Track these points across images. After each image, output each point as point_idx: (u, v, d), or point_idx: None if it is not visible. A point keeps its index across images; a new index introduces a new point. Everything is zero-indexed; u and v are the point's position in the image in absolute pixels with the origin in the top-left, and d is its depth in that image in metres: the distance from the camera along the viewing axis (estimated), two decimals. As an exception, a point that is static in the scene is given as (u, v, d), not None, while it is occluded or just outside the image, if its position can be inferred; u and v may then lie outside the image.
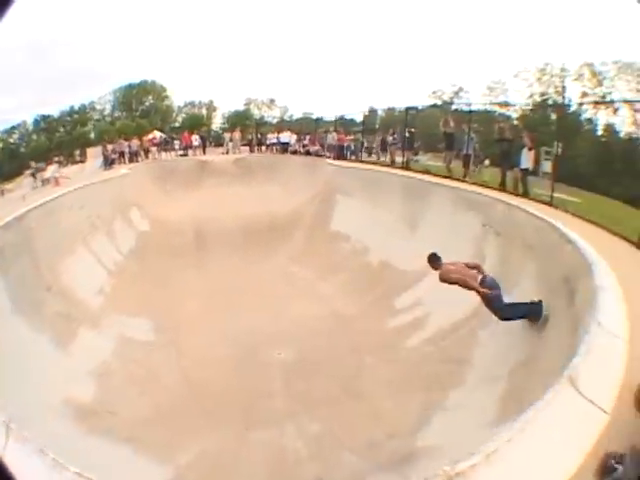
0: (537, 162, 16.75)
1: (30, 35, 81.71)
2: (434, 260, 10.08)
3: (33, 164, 36.35)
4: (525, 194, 15.15)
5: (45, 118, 72.78)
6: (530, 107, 48.25)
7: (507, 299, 9.81)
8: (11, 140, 68.62)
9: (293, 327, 14.38)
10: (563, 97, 50.51)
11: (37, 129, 72.91)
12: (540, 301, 9.12)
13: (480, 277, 9.37)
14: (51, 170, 30.82)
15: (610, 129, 39.12)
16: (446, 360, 10.48)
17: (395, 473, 7.65)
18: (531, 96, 52.80)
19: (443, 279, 9.91)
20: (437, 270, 10.02)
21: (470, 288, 9.49)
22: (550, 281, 9.50)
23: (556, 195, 14.41)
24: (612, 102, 44.06)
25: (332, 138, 29.37)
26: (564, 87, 50.54)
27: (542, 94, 52.12)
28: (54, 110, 73.61)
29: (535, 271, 10.50)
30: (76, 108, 74.25)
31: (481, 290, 9.21)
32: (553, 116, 31.94)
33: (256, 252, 21.11)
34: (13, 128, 70.28)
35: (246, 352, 13.04)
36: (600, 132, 40.51)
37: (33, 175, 31.65)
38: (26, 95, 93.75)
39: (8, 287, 10.81)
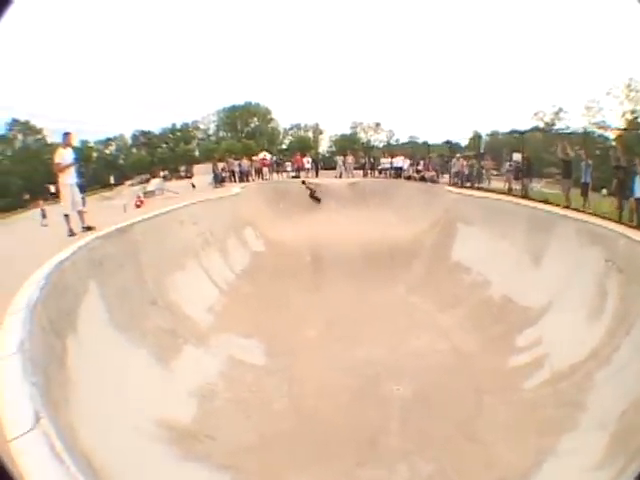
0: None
1: (128, 57, 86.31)
2: None
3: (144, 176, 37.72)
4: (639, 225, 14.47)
5: (145, 133, 76.16)
6: (623, 127, 46.81)
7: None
8: (107, 151, 74.48)
9: (412, 361, 13.95)
10: None
11: (136, 143, 76.24)
12: None
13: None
14: (155, 183, 31.77)
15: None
16: (562, 404, 10.00)
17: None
18: (623, 115, 51.22)
19: None
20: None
21: None
22: None
23: None
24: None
25: (460, 165, 29.06)
26: None
27: (632, 112, 50.47)
28: (153, 127, 77.20)
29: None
30: (178, 126, 77.21)
31: None
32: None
33: (374, 279, 20.80)
34: (109, 140, 76.52)
35: (362, 384, 12.68)
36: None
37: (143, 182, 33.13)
38: (123, 112, 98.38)
39: (107, 299, 10.66)
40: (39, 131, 70.86)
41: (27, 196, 35.90)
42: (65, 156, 13.63)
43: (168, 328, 12.47)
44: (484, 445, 9.66)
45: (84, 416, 6.64)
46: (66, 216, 13.77)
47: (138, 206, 22.49)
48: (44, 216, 21.79)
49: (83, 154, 61.01)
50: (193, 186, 32.95)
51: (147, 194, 29.06)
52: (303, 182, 27.68)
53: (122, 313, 10.91)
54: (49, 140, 68.16)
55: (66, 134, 14.11)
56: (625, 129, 47.23)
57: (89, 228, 13.85)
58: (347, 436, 10.30)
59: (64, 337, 8.12)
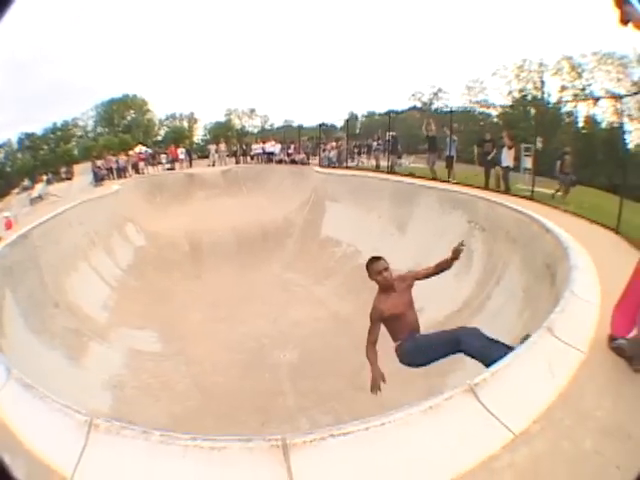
0: (517, 159, 17.55)
1: (6, 53, 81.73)
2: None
3: (26, 182, 36.55)
4: (507, 191, 16.01)
5: (29, 136, 72.42)
6: (509, 105, 49.16)
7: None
8: None
9: (294, 330, 15.01)
10: (542, 92, 51.31)
11: (21, 148, 72.64)
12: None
13: None
14: (39, 188, 30.86)
15: (591, 120, 40.00)
16: (442, 349, 11.03)
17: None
18: (510, 93, 53.46)
19: None
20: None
21: None
22: (534, 268, 10.26)
23: (538, 189, 15.77)
24: (597, 98, 44.96)
25: (330, 147, 30.80)
26: (542, 82, 51.25)
27: (520, 90, 52.81)
28: (38, 128, 73.36)
29: (520, 261, 11.27)
30: (59, 125, 74.17)
31: None
32: (533, 111, 32.62)
33: (251, 261, 21.72)
34: None
35: (252, 356, 13.62)
36: (581, 124, 41.34)
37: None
38: (7, 114, 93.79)
39: (19, 305, 11.14)
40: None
41: None
42: None
43: (73, 328, 12.85)
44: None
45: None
46: None
47: (8, 227, 18.80)
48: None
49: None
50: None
51: (34, 200, 28.04)
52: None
53: (33, 317, 11.44)
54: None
55: None
56: (511, 106, 49.50)
57: None
58: (248, 403, 11.16)
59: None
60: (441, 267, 6.49)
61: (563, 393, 4.32)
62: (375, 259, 6.62)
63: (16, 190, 39.32)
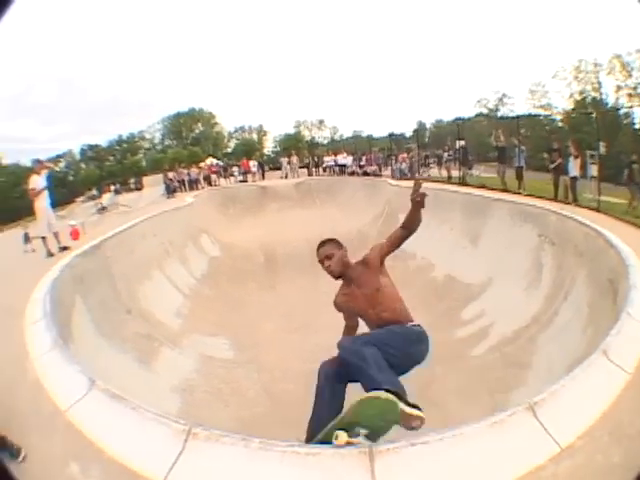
0: (583, 168, 17.42)
1: (65, 66, 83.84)
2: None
3: (93, 192, 37.46)
4: (575, 201, 15.94)
5: (92, 147, 74.49)
6: (571, 108, 48.53)
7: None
8: (57, 169, 69.95)
9: (365, 341, 14.92)
10: (600, 93, 50.58)
11: (85, 158, 74.43)
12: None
13: None
14: (107, 198, 31.69)
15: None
16: (509, 365, 11.11)
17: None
18: (571, 96, 52.86)
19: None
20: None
21: None
22: (599, 283, 10.14)
23: (603, 199, 15.80)
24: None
25: (401, 158, 30.90)
26: (599, 83, 50.56)
27: (580, 92, 52.11)
28: (99, 140, 75.22)
29: (586, 276, 11.20)
30: (124, 137, 76.22)
31: None
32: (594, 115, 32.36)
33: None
34: (59, 156, 73.20)
35: (322, 367, 13.69)
36: (638, 125, 40.74)
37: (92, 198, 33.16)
38: (66, 125, 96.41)
39: (90, 311, 11.43)
40: (-7, 155, 68.93)
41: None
42: (38, 182, 14.18)
43: (144, 333, 13.21)
44: (440, 406, 10.44)
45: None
46: (43, 238, 14.41)
47: (75, 237, 18.66)
48: (28, 239, 18.94)
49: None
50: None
51: (101, 210, 28.81)
52: None
53: (105, 322, 11.73)
54: (4, 162, 67.28)
55: (38, 161, 14.74)
56: (573, 109, 49.05)
57: (65, 248, 14.48)
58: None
59: (69, 346, 8.71)
60: (408, 225, 5.37)
61: (606, 412, 4.51)
62: (320, 244, 5.90)
63: (81, 199, 40.29)
